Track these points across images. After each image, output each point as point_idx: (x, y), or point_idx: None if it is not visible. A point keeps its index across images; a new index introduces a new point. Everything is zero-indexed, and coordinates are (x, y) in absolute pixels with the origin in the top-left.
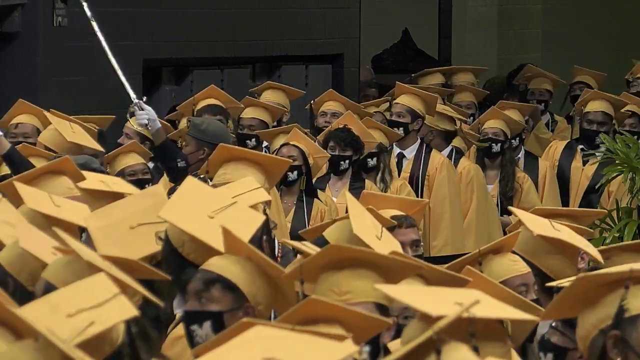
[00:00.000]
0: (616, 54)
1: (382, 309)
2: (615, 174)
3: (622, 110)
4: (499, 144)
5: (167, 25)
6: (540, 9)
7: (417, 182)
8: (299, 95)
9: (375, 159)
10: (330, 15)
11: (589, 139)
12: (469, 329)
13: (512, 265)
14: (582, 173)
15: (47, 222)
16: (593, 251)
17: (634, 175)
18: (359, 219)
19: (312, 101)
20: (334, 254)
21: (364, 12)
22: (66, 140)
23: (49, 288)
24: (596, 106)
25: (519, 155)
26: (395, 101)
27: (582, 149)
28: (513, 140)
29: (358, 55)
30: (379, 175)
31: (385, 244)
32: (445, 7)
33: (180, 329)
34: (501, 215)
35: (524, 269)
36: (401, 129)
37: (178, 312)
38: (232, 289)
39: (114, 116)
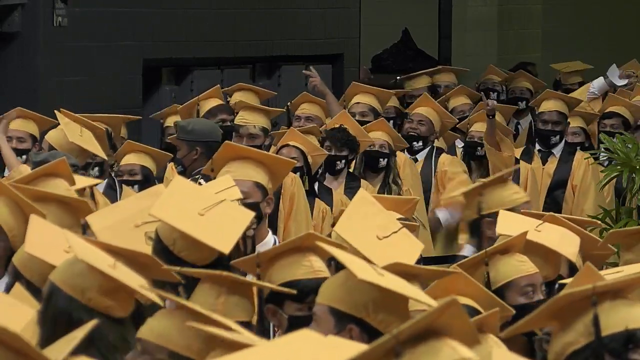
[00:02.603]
0: (616, 54)
1: (339, 314)
2: (615, 174)
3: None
4: (484, 148)
5: (167, 25)
6: (540, 9)
7: None
8: (270, 97)
9: (385, 160)
10: (330, 15)
11: (545, 138)
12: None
13: (519, 266)
14: (543, 172)
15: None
16: (572, 255)
17: (634, 175)
18: (349, 218)
19: (289, 102)
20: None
21: (364, 12)
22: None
23: (53, 289)
24: (550, 106)
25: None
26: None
27: (539, 150)
28: None
29: (358, 55)
30: (391, 177)
31: (387, 248)
32: (445, 7)
33: None
34: None
35: (532, 269)
36: None
37: None
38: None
39: (124, 116)
